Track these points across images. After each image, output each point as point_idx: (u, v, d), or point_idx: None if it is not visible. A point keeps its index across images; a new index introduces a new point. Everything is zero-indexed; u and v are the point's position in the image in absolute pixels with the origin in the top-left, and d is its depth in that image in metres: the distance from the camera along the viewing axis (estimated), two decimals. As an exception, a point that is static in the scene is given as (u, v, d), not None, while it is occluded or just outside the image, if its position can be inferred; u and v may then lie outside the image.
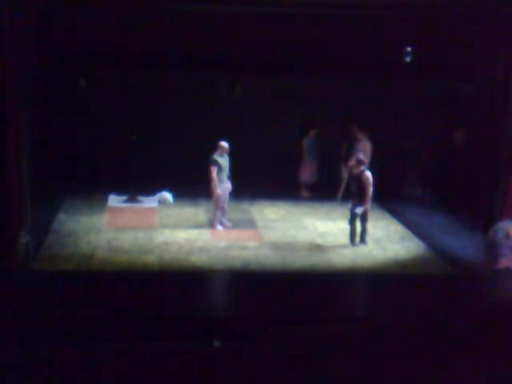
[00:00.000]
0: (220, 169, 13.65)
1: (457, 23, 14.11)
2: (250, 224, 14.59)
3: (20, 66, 11.89)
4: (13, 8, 11.48)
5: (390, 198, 16.33)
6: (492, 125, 13.87)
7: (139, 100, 17.15)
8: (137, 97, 17.11)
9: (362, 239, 13.21)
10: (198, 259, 12.13)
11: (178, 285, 11.09)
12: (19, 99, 11.90)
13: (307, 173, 17.16)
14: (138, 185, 15.98)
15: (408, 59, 15.30)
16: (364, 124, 16.70)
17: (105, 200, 15.94)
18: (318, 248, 13.05)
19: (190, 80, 16.98)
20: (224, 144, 13.74)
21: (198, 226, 14.22)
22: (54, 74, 16.20)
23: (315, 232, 14.09)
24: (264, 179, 16.76)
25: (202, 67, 16.14)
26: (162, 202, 16.02)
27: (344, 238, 13.32)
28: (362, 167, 13.04)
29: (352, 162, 13.19)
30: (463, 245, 13.36)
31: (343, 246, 13.10)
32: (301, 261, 12.24)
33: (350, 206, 13.24)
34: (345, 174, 16.32)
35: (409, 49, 15.33)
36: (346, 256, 12.60)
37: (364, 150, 15.72)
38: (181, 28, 14.56)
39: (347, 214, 13.29)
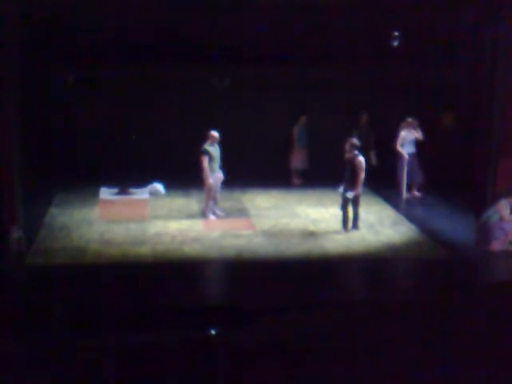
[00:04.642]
0: (211, 158, 13.62)
1: (442, 7, 14.14)
2: (242, 213, 14.59)
3: (9, 62, 11.84)
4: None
5: (382, 183, 16.41)
6: (481, 107, 13.89)
7: (129, 93, 17.14)
8: (126, 90, 17.08)
9: (355, 224, 13.22)
10: (192, 249, 12.12)
11: (172, 275, 11.11)
12: (9, 95, 11.85)
13: (298, 160, 17.18)
14: (129, 177, 15.96)
15: (396, 44, 15.31)
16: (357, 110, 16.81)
17: (96, 193, 15.91)
18: (310, 235, 13.06)
19: (180, 72, 16.94)
20: (214, 133, 13.71)
21: (190, 216, 14.20)
22: (45, 69, 16.18)
23: (307, 219, 14.10)
24: (255, 167, 16.78)
25: (192, 59, 16.10)
26: (153, 194, 16.00)
27: (336, 224, 13.34)
28: (356, 151, 13.02)
29: (346, 145, 13.12)
30: (456, 228, 13.42)
31: (336, 232, 13.12)
32: (294, 248, 12.25)
33: (341, 190, 13.21)
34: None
35: (396, 33, 15.33)
36: (339, 242, 12.61)
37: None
38: (170, 20, 14.53)
39: (339, 199, 13.30)
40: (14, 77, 12.01)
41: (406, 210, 14.79)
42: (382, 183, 16.23)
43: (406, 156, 15.44)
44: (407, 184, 15.64)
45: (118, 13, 14.13)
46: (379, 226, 13.63)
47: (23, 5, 12.36)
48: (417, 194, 15.79)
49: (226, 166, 13.95)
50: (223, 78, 17.37)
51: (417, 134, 15.53)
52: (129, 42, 15.39)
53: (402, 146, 15.54)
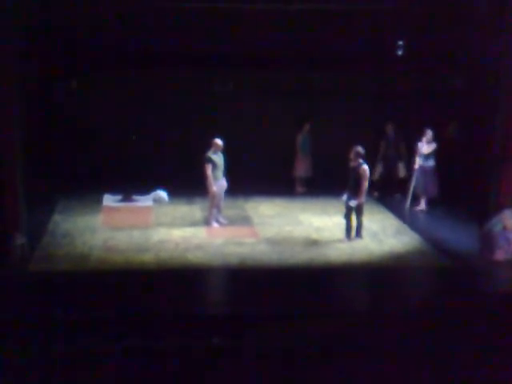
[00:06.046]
0: (215, 166, 13.63)
1: (448, 16, 14.17)
2: (245, 221, 14.58)
3: (12, 67, 11.86)
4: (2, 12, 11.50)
5: (385, 192, 16.43)
6: (485, 117, 13.88)
7: (132, 99, 17.18)
8: (129, 96, 17.12)
9: (358, 233, 13.20)
10: (195, 257, 12.12)
11: (176, 282, 11.09)
12: (12, 100, 11.87)
13: (302, 168, 17.16)
14: (132, 184, 15.95)
15: (400, 53, 15.33)
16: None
17: (99, 200, 15.88)
18: (314, 243, 13.05)
19: (184, 77, 16.98)
20: (218, 141, 13.72)
21: (193, 223, 14.20)
22: (48, 75, 16.21)
23: (311, 227, 14.09)
24: (259, 175, 16.77)
25: (196, 64, 16.12)
26: (157, 201, 15.97)
27: (340, 233, 13.33)
28: (360, 160, 12.98)
29: (351, 154, 13.05)
30: (459, 237, 13.38)
31: (339, 241, 13.10)
32: (297, 256, 12.24)
33: (344, 199, 13.17)
34: (377, 174, 16.24)
35: (401, 42, 15.36)
36: (342, 250, 12.60)
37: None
38: (174, 25, 14.55)
39: (343, 208, 13.28)
40: (15, 84, 12.02)
41: (410, 220, 14.76)
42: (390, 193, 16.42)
43: (416, 167, 15.25)
44: (413, 195, 15.55)
45: (120, 18, 14.16)
46: (382, 234, 13.61)
47: (23, 10, 12.39)
48: (423, 207, 15.63)
49: (229, 173, 13.95)
50: (226, 84, 17.37)
51: (424, 147, 15.35)
52: (131, 47, 15.40)
53: (420, 157, 15.31)
